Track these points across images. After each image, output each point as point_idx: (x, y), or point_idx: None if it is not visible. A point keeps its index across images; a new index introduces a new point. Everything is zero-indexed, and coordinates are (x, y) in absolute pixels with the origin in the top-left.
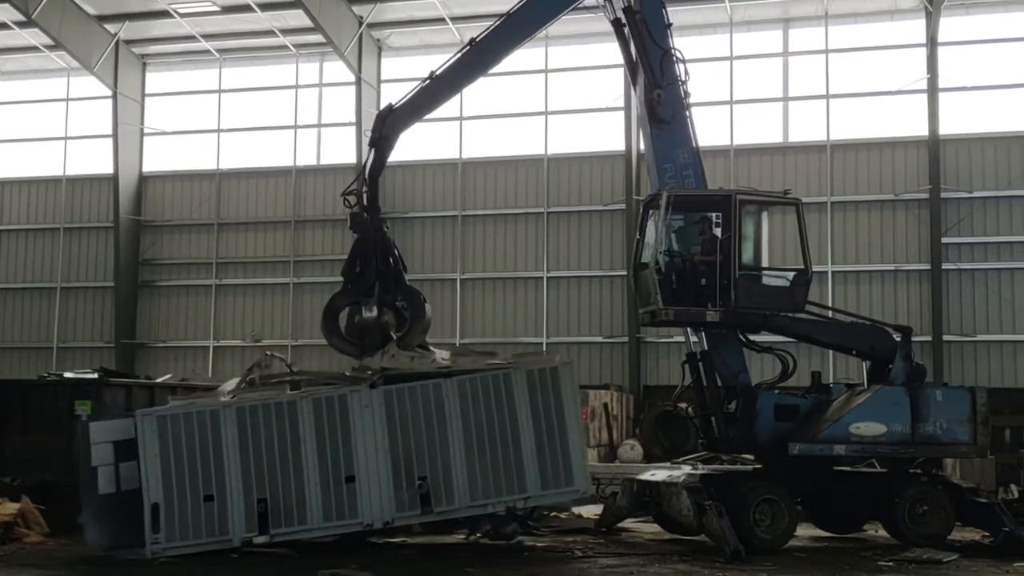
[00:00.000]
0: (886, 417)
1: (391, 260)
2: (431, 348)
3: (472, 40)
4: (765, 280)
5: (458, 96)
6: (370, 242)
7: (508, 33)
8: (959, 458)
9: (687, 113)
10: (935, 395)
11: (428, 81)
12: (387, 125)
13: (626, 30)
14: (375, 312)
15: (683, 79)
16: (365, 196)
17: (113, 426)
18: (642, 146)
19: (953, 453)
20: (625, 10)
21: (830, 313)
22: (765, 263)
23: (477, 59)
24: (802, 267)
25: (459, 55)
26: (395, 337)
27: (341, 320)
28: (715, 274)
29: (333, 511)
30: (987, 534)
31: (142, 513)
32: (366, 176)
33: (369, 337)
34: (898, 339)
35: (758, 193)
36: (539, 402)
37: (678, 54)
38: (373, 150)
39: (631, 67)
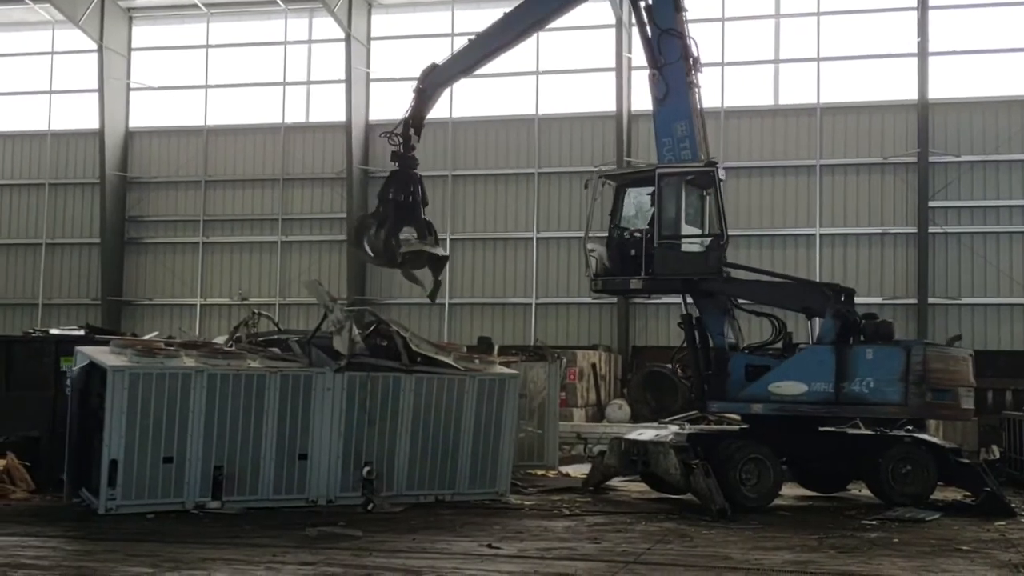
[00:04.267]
0: (808, 376)
1: (412, 192)
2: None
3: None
4: (683, 247)
5: (448, 52)
6: (399, 175)
7: (537, 5)
8: (888, 418)
9: (687, 89)
10: (865, 353)
11: (468, 43)
12: (428, 80)
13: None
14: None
15: (694, 55)
16: (403, 137)
17: None
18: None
19: (881, 414)
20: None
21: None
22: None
23: (507, 29)
24: (718, 232)
25: (494, 24)
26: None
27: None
28: (640, 245)
29: (283, 484)
30: (969, 494)
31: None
32: (405, 119)
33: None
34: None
35: (677, 166)
36: (483, 408)
37: (687, 32)
38: (415, 98)
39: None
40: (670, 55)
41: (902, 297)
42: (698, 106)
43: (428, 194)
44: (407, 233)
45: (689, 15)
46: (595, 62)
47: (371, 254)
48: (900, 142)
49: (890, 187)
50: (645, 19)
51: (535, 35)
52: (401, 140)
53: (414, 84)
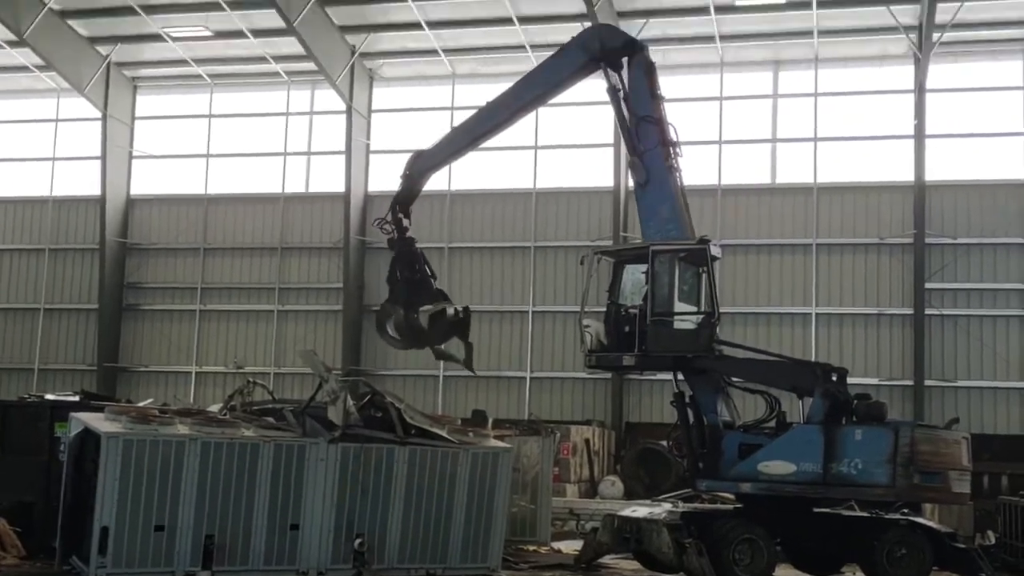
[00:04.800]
0: (796, 456)
1: (418, 270)
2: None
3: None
4: (676, 325)
5: (448, 126)
6: (402, 257)
7: (517, 95)
8: (877, 501)
9: (668, 172)
10: (854, 434)
11: (449, 132)
12: (414, 166)
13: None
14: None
15: (673, 139)
16: (393, 223)
17: None
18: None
19: (868, 495)
20: (608, 89)
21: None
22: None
23: (489, 117)
24: (709, 311)
25: (475, 113)
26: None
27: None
28: (635, 322)
29: (274, 555)
30: None
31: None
32: (393, 205)
33: (404, 334)
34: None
35: (670, 243)
36: (476, 482)
37: (665, 117)
38: (402, 183)
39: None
40: (648, 141)
41: (898, 378)
42: (680, 189)
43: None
44: (424, 311)
45: (686, 94)
46: (593, 138)
47: (398, 338)
48: (896, 223)
49: (886, 268)
50: (623, 107)
51: (532, 112)
52: (393, 226)
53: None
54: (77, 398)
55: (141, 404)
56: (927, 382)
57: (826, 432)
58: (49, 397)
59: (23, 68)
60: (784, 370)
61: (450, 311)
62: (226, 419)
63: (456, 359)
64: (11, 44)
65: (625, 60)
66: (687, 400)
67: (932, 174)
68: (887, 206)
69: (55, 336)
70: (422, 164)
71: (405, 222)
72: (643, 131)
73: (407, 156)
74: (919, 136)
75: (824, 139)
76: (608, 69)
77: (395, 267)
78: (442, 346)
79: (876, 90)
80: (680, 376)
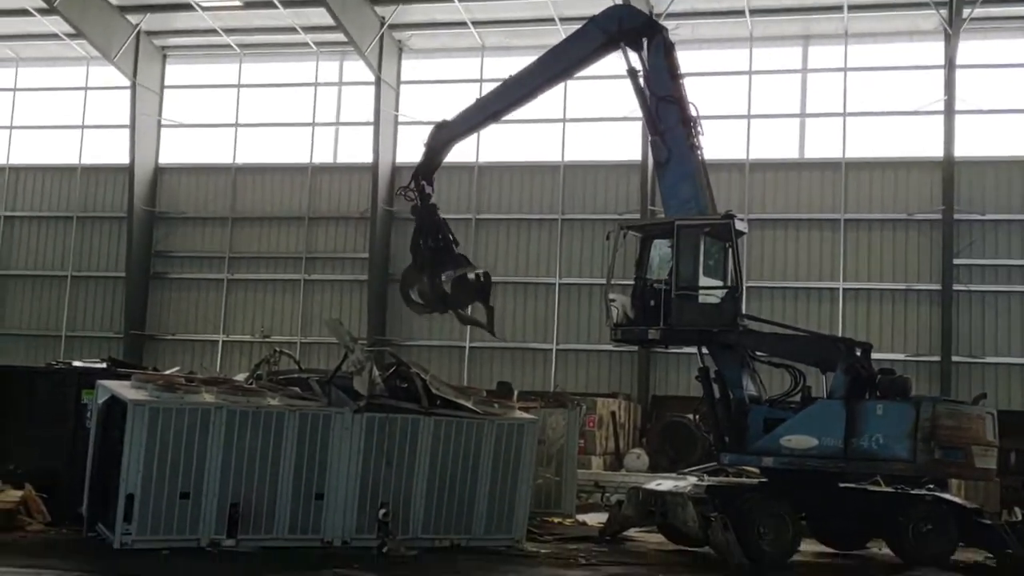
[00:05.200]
0: (818, 430)
1: (441, 238)
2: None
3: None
4: (700, 299)
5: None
6: (425, 225)
7: (537, 72)
8: (896, 475)
9: (689, 151)
10: (875, 409)
11: (471, 104)
12: (437, 137)
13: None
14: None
15: (695, 117)
16: (416, 191)
17: None
18: None
19: (889, 470)
20: (628, 70)
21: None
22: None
23: (509, 92)
24: (732, 285)
25: (496, 87)
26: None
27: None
28: (660, 296)
29: (299, 524)
30: (990, 555)
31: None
32: (415, 173)
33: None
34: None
35: (696, 219)
36: (501, 454)
37: (685, 96)
38: (424, 153)
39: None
40: (668, 120)
41: (925, 354)
42: (702, 166)
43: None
44: (448, 276)
45: (715, 68)
46: (621, 111)
47: (421, 303)
48: (925, 199)
49: (914, 243)
50: (643, 88)
51: (557, 87)
52: (416, 193)
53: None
54: (104, 366)
55: (167, 372)
56: (954, 358)
57: (848, 407)
58: (76, 364)
59: (53, 36)
60: (808, 345)
61: (471, 275)
62: (252, 388)
63: (480, 323)
64: (41, 12)
65: (644, 40)
66: (712, 375)
67: (961, 150)
68: (915, 182)
69: (82, 304)
70: (445, 134)
71: (428, 190)
72: (663, 111)
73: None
74: (949, 112)
75: (853, 114)
76: (627, 49)
77: (418, 235)
78: (467, 311)
79: (906, 65)
80: (705, 351)
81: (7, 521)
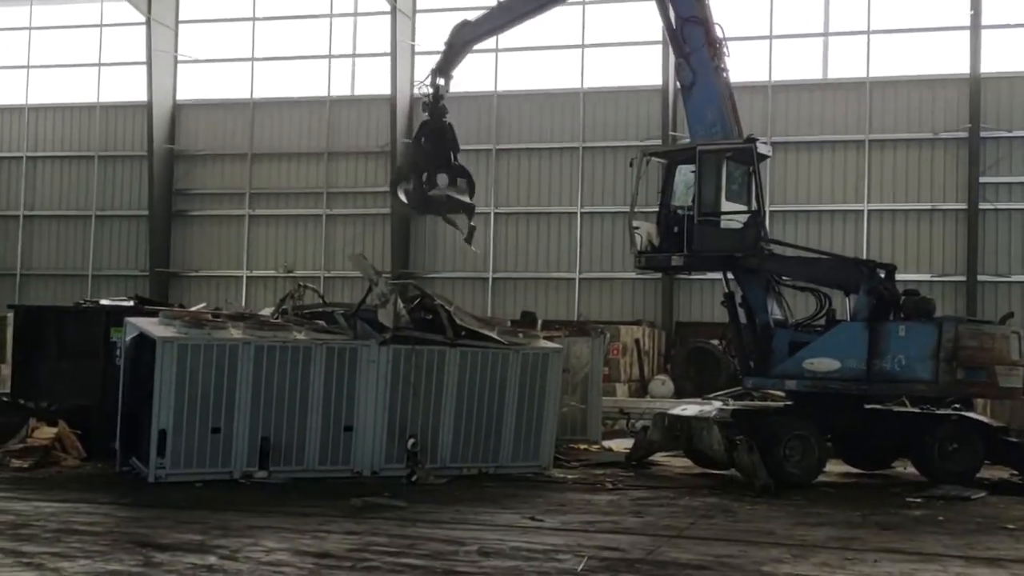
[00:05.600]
0: (841, 352)
1: (444, 142)
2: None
3: None
4: (723, 224)
5: None
6: (432, 123)
7: None
8: (919, 395)
9: (714, 74)
10: (897, 330)
11: (498, 4)
12: (458, 36)
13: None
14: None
15: (720, 38)
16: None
17: None
18: None
19: (911, 391)
20: None
21: (801, 252)
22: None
23: None
24: (755, 209)
25: None
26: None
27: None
28: (684, 222)
29: (328, 456)
30: (1016, 473)
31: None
32: (433, 70)
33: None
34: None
35: (717, 143)
36: (527, 383)
37: (710, 17)
38: (443, 52)
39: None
40: (694, 42)
41: (951, 274)
42: (727, 89)
43: (472, 167)
44: (442, 180)
45: None
46: (641, 35)
47: (405, 202)
48: (951, 117)
49: (940, 163)
50: (667, 8)
51: (580, 4)
52: (431, 91)
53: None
54: (131, 303)
55: (194, 309)
56: (980, 277)
57: (870, 328)
58: (104, 302)
59: None
60: (831, 267)
61: (456, 197)
62: (278, 323)
63: (457, 227)
64: None
65: None
66: (738, 300)
67: (988, 66)
68: (941, 100)
69: (107, 242)
70: (466, 34)
71: (442, 90)
72: (688, 32)
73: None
74: (975, 27)
75: (877, 32)
76: None
77: (421, 132)
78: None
79: None
80: (730, 276)
81: (43, 457)
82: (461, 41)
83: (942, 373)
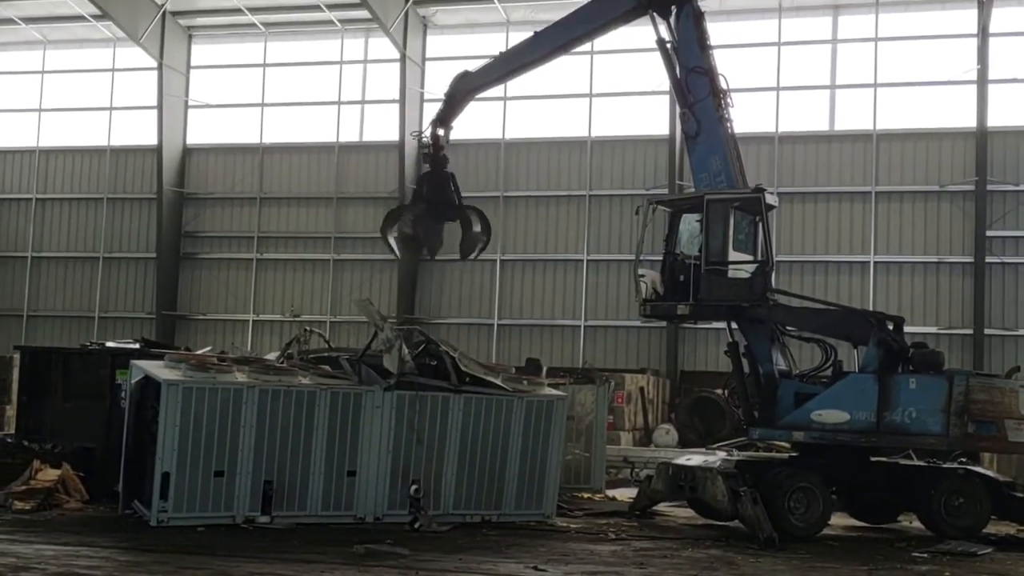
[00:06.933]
0: (850, 405)
1: (445, 190)
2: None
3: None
4: (730, 274)
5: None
6: (433, 175)
7: (564, 30)
8: (930, 450)
9: (719, 124)
10: (908, 383)
11: (496, 57)
12: (458, 86)
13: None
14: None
15: (724, 89)
16: (431, 139)
17: None
18: None
19: (922, 444)
20: (657, 41)
21: (810, 303)
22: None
23: (534, 48)
24: (763, 259)
25: (522, 41)
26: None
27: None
28: (690, 271)
29: (332, 501)
30: (1022, 528)
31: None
32: (433, 121)
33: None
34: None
35: (725, 192)
36: (531, 431)
37: (715, 67)
38: (444, 102)
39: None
40: (698, 92)
41: (958, 327)
42: (731, 139)
43: None
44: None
45: (744, 40)
46: (648, 85)
47: (395, 247)
48: (958, 170)
49: (947, 215)
50: (672, 59)
51: (588, 54)
52: (431, 142)
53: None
54: (137, 346)
55: (199, 352)
56: (987, 331)
57: (880, 381)
58: (110, 345)
59: (79, 18)
60: (838, 319)
61: (479, 232)
62: (283, 367)
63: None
64: None
65: (674, 9)
66: (742, 349)
67: (994, 120)
68: (948, 152)
69: (114, 285)
70: (466, 84)
71: (442, 140)
72: (693, 82)
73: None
74: (982, 81)
75: (884, 85)
76: (656, 18)
77: (423, 183)
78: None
79: (938, 34)
80: (734, 325)
81: (46, 499)
82: (462, 92)
83: (953, 427)
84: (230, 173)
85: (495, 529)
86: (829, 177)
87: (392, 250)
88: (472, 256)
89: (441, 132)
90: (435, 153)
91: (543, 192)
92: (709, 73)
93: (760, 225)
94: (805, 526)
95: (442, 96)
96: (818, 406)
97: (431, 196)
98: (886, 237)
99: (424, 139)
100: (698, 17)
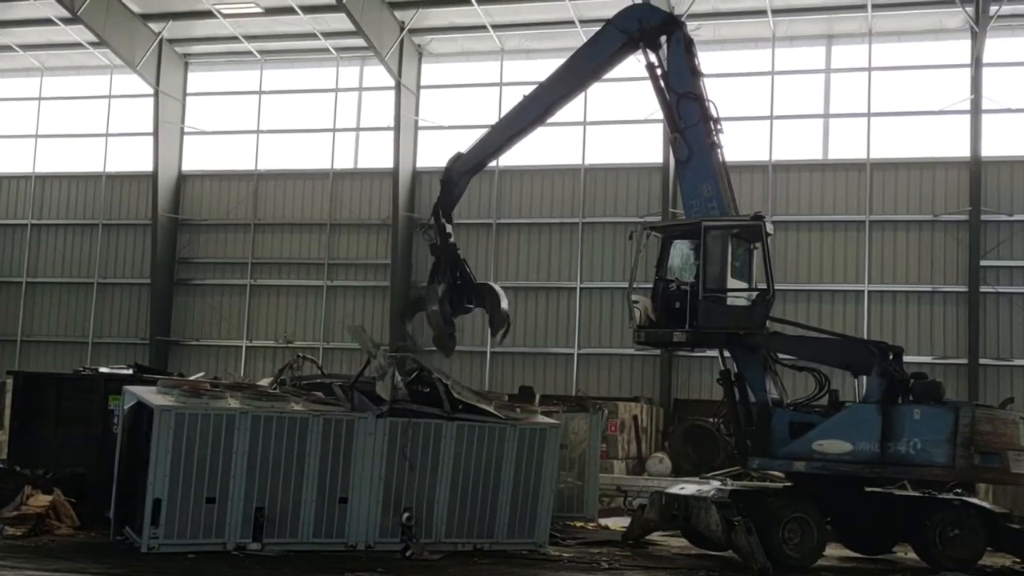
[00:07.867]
0: (852, 435)
1: (459, 274)
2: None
3: (523, 96)
4: (729, 301)
5: (496, 102)
6: (443, 261)
7: (555, 84)
8: (935, 481)
9: (709, 149)
10: (912, 413)
11: (487, 131)
12: (454, 169)
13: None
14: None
15: (714, 116)
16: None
17: None
18: None
19: (927, 475)
20: (647, 66)
21: (808, 331)
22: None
23: (527, 111)
24: (764, 288)
25: (513, 107)
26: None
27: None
28: (685, 297)
29: (323, 528)
30: (1018, 560)
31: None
32: (435, 210)
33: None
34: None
35: (723, 219)
36: (524, 458)
37: (705, 94)
38: (442, 188)
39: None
40: (689, 118)
41: (952, 357)
42: (722, 165)
43: (472, 242)
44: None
45: (737, 69)
46: (641, 113)
47: (415, 339)
48: (951, 199)
49: (940, 245)
50: (662, 85)
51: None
52: (437, 232)
53: (449, 160)
54: (130, 371)
55: (192, 378)
56: (982, 361)
57: (884, 411)
58: (103, 370)
59: (76, 45)
60: (838, 348)
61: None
62: (276, 393)
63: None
64: (65, 21)
65: (664, 38)
66: (734, 378)
67: (988, 149)
68: (942, 182)
69: (108, 310)
70: (462, 165)
71: (448, 228)
72: (684, 108)
73: (457, 131)
74: (975, 111)
75: (878, 114)
76: (647, 48)
77: (435, 273)
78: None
79: (931, 64)
80: (727, 353)
81: (37, 525)
82: (459, 173)
83: (959, 458)
84: (225, 199)
85: (487, 557)
86: (823, 206)
87: (409, 337)
88: (501, 335)
89: (445, 221)
90: (443, 241)
91: (536, 219)
92: (700, 99)
93: (755, 253)
94: (799, 556)
95: (441, 122)
96: (819, 436)
97: (446, 282)
98: (880, 266)
99: (430, 233)
100: (688, 44)
